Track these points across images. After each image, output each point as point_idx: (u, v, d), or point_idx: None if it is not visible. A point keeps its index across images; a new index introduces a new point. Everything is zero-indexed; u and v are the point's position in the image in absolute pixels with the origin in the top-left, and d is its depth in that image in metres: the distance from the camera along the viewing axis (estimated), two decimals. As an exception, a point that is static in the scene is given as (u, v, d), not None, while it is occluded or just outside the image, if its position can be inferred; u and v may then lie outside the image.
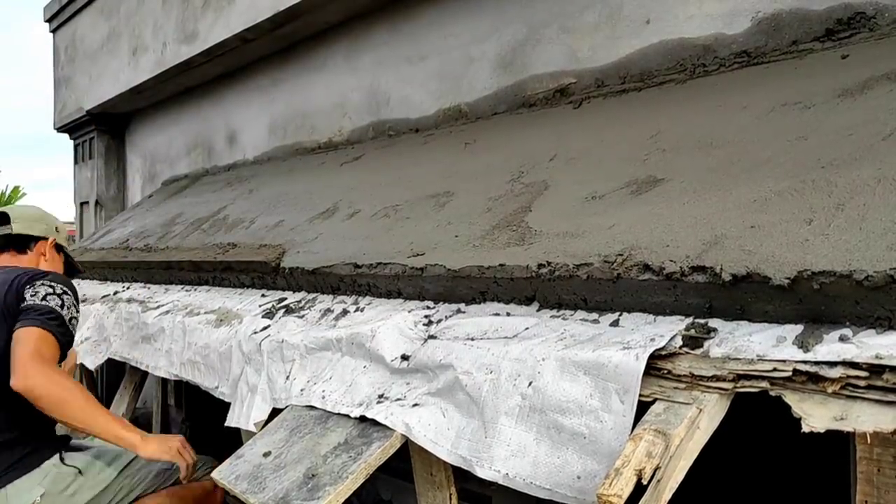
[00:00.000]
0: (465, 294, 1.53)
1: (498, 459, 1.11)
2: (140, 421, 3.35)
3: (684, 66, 1.79)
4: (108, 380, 3.96)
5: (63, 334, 1.75)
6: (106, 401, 3.34)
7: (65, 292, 1.83)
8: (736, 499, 1.81)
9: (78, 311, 1.88)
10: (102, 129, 4.90)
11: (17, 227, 2.08)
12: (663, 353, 1.04)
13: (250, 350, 1.81)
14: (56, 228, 2.17)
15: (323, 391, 1.52)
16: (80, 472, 1.82)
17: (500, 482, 1.10)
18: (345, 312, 1.77)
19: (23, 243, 2.09)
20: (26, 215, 2.12)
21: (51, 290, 1.81)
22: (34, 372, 1.60)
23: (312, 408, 1.51)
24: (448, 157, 2.21)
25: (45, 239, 2.12)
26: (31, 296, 1.78)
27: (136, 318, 2.50)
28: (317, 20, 2.91)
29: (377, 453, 1.25)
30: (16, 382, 1.59)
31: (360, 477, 1.23)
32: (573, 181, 1.63)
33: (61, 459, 1.81)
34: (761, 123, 1.42)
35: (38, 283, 1.82)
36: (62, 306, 1.79)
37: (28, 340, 1.66)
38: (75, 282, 2.18)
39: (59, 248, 2.17)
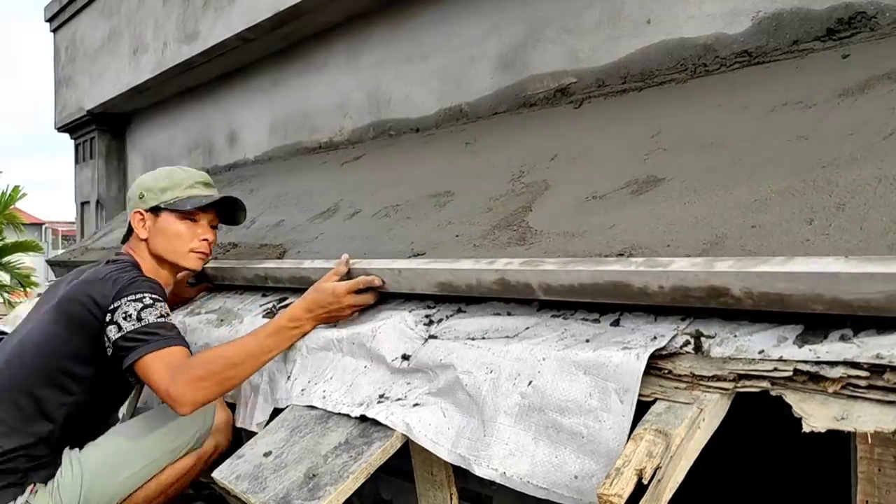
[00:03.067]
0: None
1: (496, 458, 1.11)
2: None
3: (685, 66, 1.79)
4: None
5: (170, 336, 1.56)
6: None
7: (152, 301, 1.61)
8: (736, 499, 1.81)
9: (166, 308, 1.65)
10: (103, 129, 4.91)
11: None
12: (664, 352, 1.04)
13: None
14: (141, 195, 1.84)
15: (323, 391, 1.52)
16: None
17: (498, 481, 1.10)
18: (345, 312, 1.77)
19: (128, 231, 1.89)
20: (126, 197, 1.93)
21: (137, 306, 1.58)
22: (179, 394, 1.46)
23: (313, 408, 1.51)
24: (448, 157, 2.21)
25: (134, 213, 1.84)
26: (125, 319, 1.56)
27: (137, 317, 2.50)
28: (317, 20, 2.91)
29: (378, 453, 1.25)
30: (184, 411, 1.48)
31: (361, 477, 1.23)
32: (574, 181, 1.63)
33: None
34: (762, 123, 1.42)
35: (126, 302, 1.59)
36: (162, 314, 1.60)
37: (150, 372, 1.50)
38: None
39: (154, 212, 1.84)
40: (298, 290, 2.01)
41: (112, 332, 1.56)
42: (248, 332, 1.59)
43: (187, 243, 1.85)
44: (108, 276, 1.66)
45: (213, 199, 1.87)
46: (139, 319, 1.56)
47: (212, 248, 1.93)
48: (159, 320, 1.58)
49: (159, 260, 1.85)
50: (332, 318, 1.61)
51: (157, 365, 1.50)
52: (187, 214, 1.84)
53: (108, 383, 1.72)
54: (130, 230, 1.87)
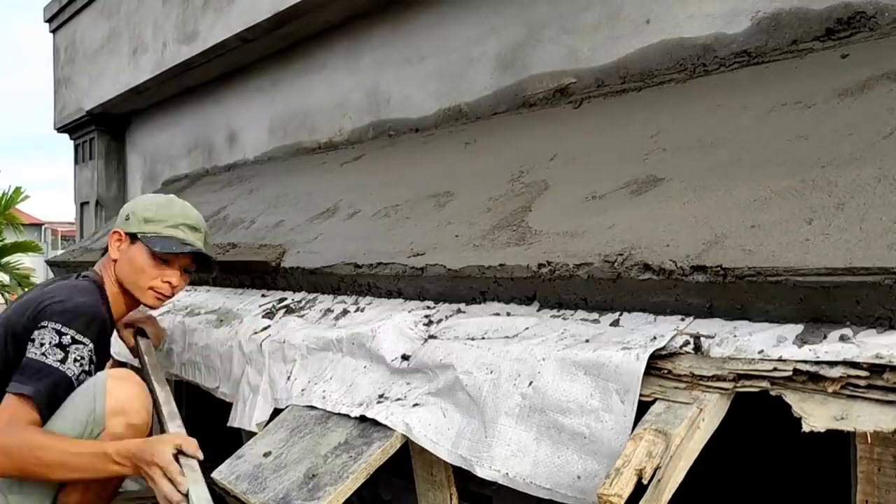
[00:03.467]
0: (466, 294, 1.53)
1: (498, 459, 1.11)
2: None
3: (684, 66, 1.79)
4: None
5: (48, 394, 1.47)
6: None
7: (69, 343, 1.52)
8: (736, 499, 1.81)
9: (91, 364, 1.56)
10: (102, 130, 4.90)
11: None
12: (664, 352, 1.04)
13: (251, 350, 1.81)
14: (127, 216, 1.77)
15: (323, 391, 1.52)
16: None
17: (501, 482, 1.10)
18: (345, 312, 1.77)
19: (108, 247, 1.79)
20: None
21: (54, 339, 1.51)
22: None
23: (313, 408, 1.51)
24: (448, 157, 2.21)
25: (113, 232, 1.78)
26: (39, 345, 1.50)
27: (137, 318, 2.50)
28: (317, 20, 2.91)
29: (377, 453, 1.25)
30: None
31: (361, 477, 1.23)
32: (573, 181, 1.63)
33: None
34: (761, 123, 1.42)
35: (46, 324, 1.52)
36: (63, 360, 1.50)
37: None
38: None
39: (132, 237, 1.76)
40: (300, 291, 2.02)
41: (29, 347, 1.51)
42: (75, 440, 1.47)
43: (149, 280, 1.75)
44: (57, 289, 1.61)
45: (184, 250, 1.76)
46: (44, 355, 1.49)
47: (174, 293, 1.82)
48: (59, 366, 1.50)
49: (120, 286, 1.77)
50: (146, 476, 1.44)
51: (5, 407, 1.45)
52: (157, 254, 1.75)
53: None
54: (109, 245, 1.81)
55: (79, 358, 1.53)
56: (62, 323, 1.52)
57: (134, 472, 1.44)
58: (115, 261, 1.76)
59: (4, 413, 1.44)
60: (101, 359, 1.69)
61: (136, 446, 1.42)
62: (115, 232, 1.77)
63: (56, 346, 1.50)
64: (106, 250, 1.81)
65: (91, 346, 1.56)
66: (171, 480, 1.34)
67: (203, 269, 1.90)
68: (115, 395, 1.52)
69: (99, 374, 1.57)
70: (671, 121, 1.64)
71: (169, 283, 1.77)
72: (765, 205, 1.16)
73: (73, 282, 1.70)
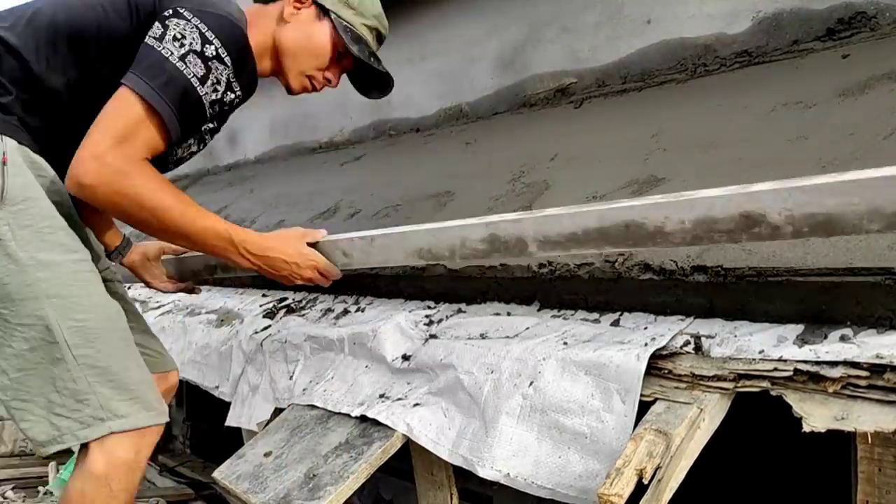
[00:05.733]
0: (466, 294, 1.53)
1: (499, 459, 1.11)
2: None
3: (685, 66, 1.79)
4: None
5: (177, 117, 1.17)
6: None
7: (218, 57, 1.18)
8: (736, 499, 1.81)
9: (236, 92, 1.25)
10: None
11: None
12: (664, 352, 1.05)
13: (251, 350, 1.81)
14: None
15: (324, 391, 1.52)
16: None
17: (502, 482, 1.10)
18: (346, 312, 1.77)
19: None
20: None
21: (195, 43, 1.16)
22: (100, 167, 1.12)
23: (313, 407, 1.51)
24: (449, 157, 2.21)
25: None
26: (156, 35, 1.16)
27: (137, 317, 2.50)
28: (317, 20, 2.91)
29: (378, 453, 1.26)
30: (69, 182, 1.15)
31: (361, 477, 1.23)
32: (574, 181, 1.63)
33: None
34: (762, 123, 1.42)
35: (177, 17, 1.17)
36: (204, 78, 1.18)
37: (109, 111, 1.14)
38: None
39: (321, 10, 1.40)
40: (300, 291, 2.02)
41: (154, 31, 1.18)
42: (201, 210, 1.27)
43: (314, 67, 1.43)
44: None
45: (380, 67, 1.48)
46: (169, 53, 1.15)
47: (322, 89, 1.50)
48: (190, 74, 1.17)
49: (274, 52, 1.41)
50: (277, 277, 1.36)
51: (119, 111, 1.15)
52: (341, 44, 1.41)
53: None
54: None
55: (217, 81, 1.20)
56: (209, 26, 1.18)
57: (255, 268, 1.33)
58: (284, 21, 1.39)
59: (116, 123, 1.13)
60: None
61: (265, 254, 1.30)
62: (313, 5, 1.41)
63: (197, 54, 1.16)
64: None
65: (231, 73, 1.23)
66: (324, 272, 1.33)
67: (359, 84, 1.56)
68: None
69: None
70: (672, 121, 1.64)
71: (329, 80, 1.48)
72: (765, 205, 1.15)
73: None
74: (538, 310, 1.34)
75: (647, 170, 1.50)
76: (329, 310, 1.82)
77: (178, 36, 1.16)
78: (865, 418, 0.82)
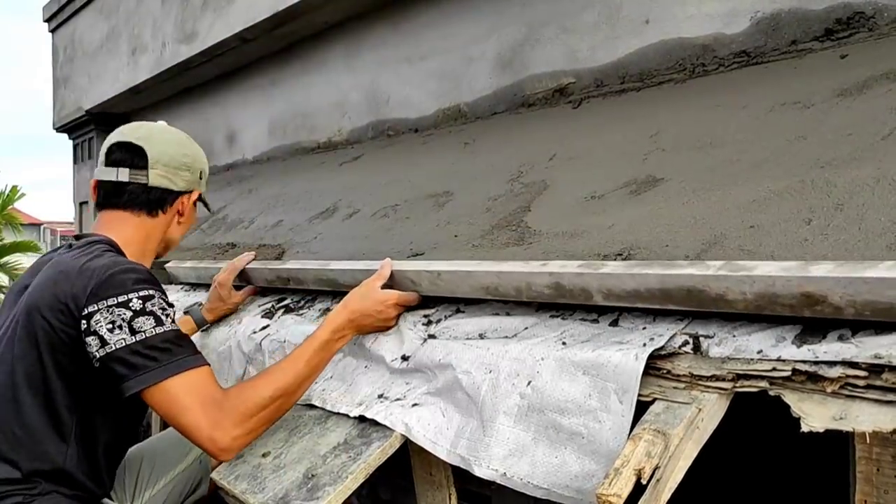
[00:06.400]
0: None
1: (496, 459, 1.11)
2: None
3: (683, 66, 1.79)
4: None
5: (185, 353, 1.24)
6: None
7: (143, 300, 1.22)
8: (736, 499, 1.81)
9: (169, 308, 1.29)
10: (102, 129, 4.89)
11: (156, 177, 1.43)
12: (662, 352, 1.04)
13: (250, 350, 1.81)
14: (201, 173, 1.55)
15: (323, 390, 1.52)
16: None
17: (498, 481, 1.10)
18: (344, 312, 1.76)
19: (160, 201, 1.47)
20: (169, 155, 1.46)
21: (132, 312, 1.20)
22: (228, 440, 1.20)
23: (312, 407, 1.51)
24: (447, 157, 2.21)
25: (189, 193, 1.52)
26: (112, 332, 1.18)
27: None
28: (316, 20, 2.91)
29: (377, 453, 1.25)
30: (227, 458, 1.25)
31: (360, 477, 1.23)
32: (572, 181, 1.63)
33: None
34: (760, 123, 1.42)
35: (113, 304, 1.20)
36: (160, 321, 1.23)
37: (174, 408, 1.19)
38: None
39: (199, 198, 1.59)
40: (298, 291, 2.02)
41: (94, 346, 1.19)
42: (290, 354, 1.37)
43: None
44: (80, 269, 1.25)
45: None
46: (133, 332, 1.19)
47: None
48: (162, 330, 1.21)
49: (162, 244, 1.53)
50: (375, 329, 1.47)
51: (183, 398, 1.18)
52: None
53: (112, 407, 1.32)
54: (158, 202, 1.46)
55: (165, 314, 1.25)
56: (112, 294, 1.21)
57: (356, 333, 1.46)
58: (158, 220, 1.48)
59: (193, 405, 1.18)
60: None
61: (350, 312, 1.42)
62: (197, 193, 1.55)
63: (134, 318, 1.20)
64: (123, 201, 1.44)
65: (160, 293, 1.28)
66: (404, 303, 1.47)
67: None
68: None
69: None
70: (670, 121, 1.64)
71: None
72: (764, 205, 1.16)
73: (79, 252, 1.33)
74: (536, 310, 1.34)
75: (645, 170, 1.50)
76: (328, 310, 1.82)
77: (110, 324, 1.20)
78: (864, 418, 0.82)
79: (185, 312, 2.00)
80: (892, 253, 0.91)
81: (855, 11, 1.49)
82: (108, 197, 1.45)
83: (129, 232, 1.43)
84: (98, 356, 1.19)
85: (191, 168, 1.51)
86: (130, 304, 1.21)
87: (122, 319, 1.19)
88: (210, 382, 1.24)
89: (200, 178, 1.55)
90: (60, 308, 1.22)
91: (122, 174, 1.42)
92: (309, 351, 1.36)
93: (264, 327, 1.85)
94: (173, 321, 1.27)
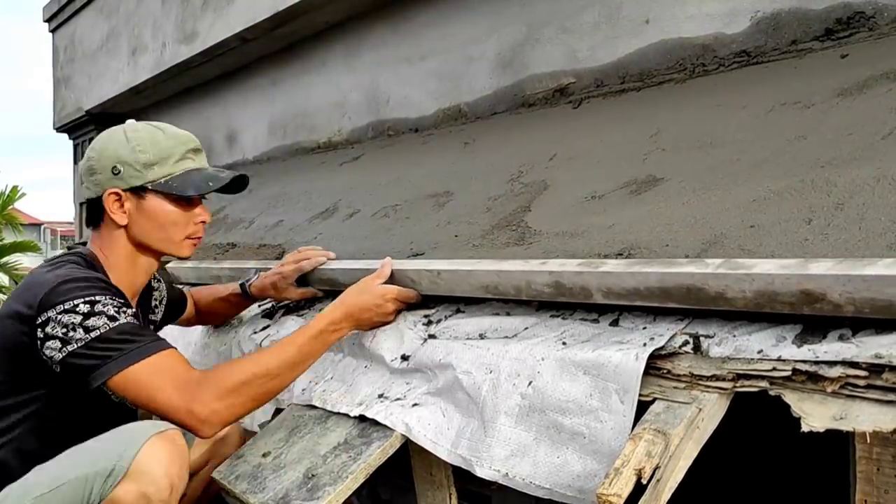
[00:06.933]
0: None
1: (498, 459, 1.11)
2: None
3: (684, 66, 1.79)
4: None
5: (148, 340, 1.26)
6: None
7: (90, 303, 1.23)
8: (736, 499, 1.81)
9: (124, 307, 1.29)
10: (102, 129, 4.88)
11: (83, 189, 1.45)
12: (663, 352, 1.04)
13: (251, 350, 1.81)
14: (116, 170, 1.39)
15: (323, 391, 1.52)
16: None
17: (500, 482, 1.10)
18: (344, 312, 1.77)
19: (92, 214, 1.46)
20: (84, 166, 1.44)
21: (81, 315, 1.22)
22: (207, 412, 1.21)
23: (312, 407, 1.51)
24: (447, 157, 2.21)
25: (105, 193, 1.41)
26: (67, 334, 1.21)
27: (136, 318, 2.49)
28: (316, 20, 2.91)
29: (377, 453, 1.25)
30: (207, 434, 1.24)
31: (360, 477, 1.23)
32: (573, 181, 1.63)
33: None
34: (760, 123, 1.42)
35: (60, 311, 1.22)
36: (113, 317, 1.24)
37: (146, 390, 1.20)
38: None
39: (136, 192, 1.42)
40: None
41: (53, 349, 1.22)
42: (282, 339, 1.38)
43: (183, 230, 1.47)
44: (36, 281, 1.30)
45: (221, 181, 1.49)
46: (88, 330, 1.21)
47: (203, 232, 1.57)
48: (117, 324, 1.23)
49: (142, 248, 1.46)
50: (373, 324, 1.49)
51: (153, 380, 1.21)
52: (184, 198, 1.45)
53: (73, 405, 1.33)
54: (95, 212, 1.44)
55: (118, 311, 1.25)
56: (60, 301, 1.23)
57: (354, 328, 1.46)
58: (123, 227, 1.43)
59: (166, 385, 1.20)
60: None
61: (347, 307, 1.43)
62: (111, 193, 1.41)
63: (85, 319, 1.22)
64: (94, 220, 1.46)
65: (110, 296, 1.27)
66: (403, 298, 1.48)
67: (226, 191, 1.56)
68: (151, 452, 1.17)
69: (140, 424, 1.28)
70: (670, 121, 1.64)
71: (203, 221, 1.52)
72: (764, 205, 1.16)
73: (46, 267, 1.37)
74: (537, 309, 1.34)
75: (645, 170, 1.50)
76: (328, 310, 1.82)
77: (64, 328, 1.22)
78: (864, 418, 0.82)
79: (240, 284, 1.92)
80: (892, 252, 0.91)
81: (855, 11, 1.49)
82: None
83: (94, 248, 1.45)
84: (58, 358, 1.22)
85: (96, 169, 1.41)
86: (77, 309, 1.22)
87: (74, 323, 1.22)
88: (179, 363, 1.26)
89: (116, 174, 1.40)
90: (17, 316, 1.26)
91: (80, 194, 1.44)
92: (301, 338, 1.37)
93: (264, 328, 1.85)
94: (131, 317, 1.27)
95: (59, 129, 5.27)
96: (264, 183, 3.13)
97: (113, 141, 1.44)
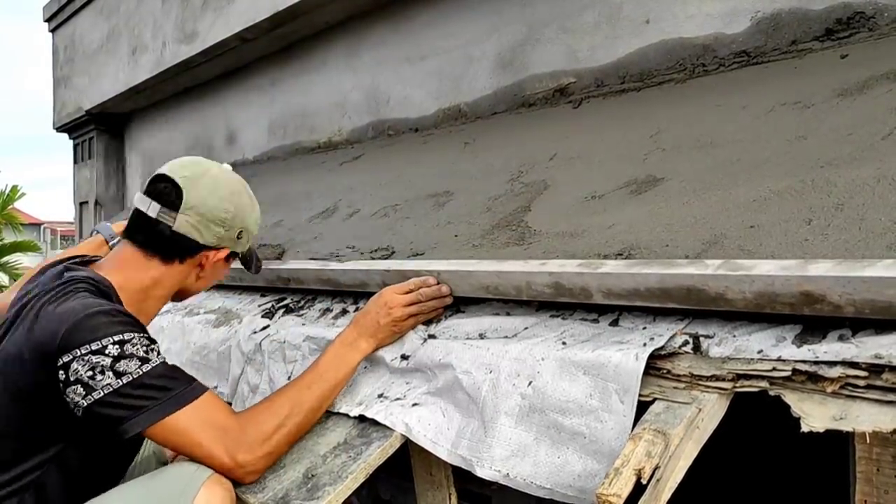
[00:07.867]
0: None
1: (498, 459, 1.11)
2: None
3: (684, 66, 1.79)
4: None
5: (185, 384, 1.18)
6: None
7: (120, 344, 1.13)
8: (736, 499, 1.81)
9: (152, 344, 1.19)
10: (102, 129, 4.90)
11: (183, 223, 1.32)
12: (663, 352, 1.05)
13: (250, 350, 1.81)
14: (240, 233, 1.41)
15: (322, 391, 1.52)
16: None
17: (501, 482, 1.10)
18: (344, 312, 1.77)
19: (180, 250, 1.35)
20: (207, 206, 1.34)
21: (111, 358, 1.12)
22: (252, 460, 1.20)
23: (312, 407, 1.51)
24: (447, 157, 2.21)
25: (217, 249, 1.39)
26: (94, 378, 1.10)
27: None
28: (316, 20, 2.91)
29: (377, 453, 1.25)
30: (251, 481, 1.22)
31: (360, 477, 1.23)
32: (573, 181, 1.63)
33: None
34: (761, 123, 1.42)
35: (87, 352, 1.11)
36: (145, 359, 1.15)
37: (186, 439, 1.15)
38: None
39: (233, 254, 1.45)
40: (298, 291, 2.02)
41: (78, 394, 1.11)
42: (306, 370, 1.35)
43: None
44: (49, 315, 1.16)
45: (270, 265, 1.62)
46: (118, 375, 1.11)
47: None
48: (149, 367, 1.15)
49: (180, 292, 1.44)
50: (391, 332, 1.42)
51: (193, 429, 1.15)
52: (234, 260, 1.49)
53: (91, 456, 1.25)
54: (174, 247, 1.34)
55: (150, 351, 1.17)
56: (87, 341, 1.12)
57: (376, 343, 1.41)
58: (198, 277, 1.43)
59: (208, 433, 1.16)
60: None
61: (357, 319, 1.41)
62: (223, 251, 1.40)
63: (116, 362, 1.12)
64: (134, 232, 1.35)
65: (140, 333, 1.18)
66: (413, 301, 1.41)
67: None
68: (207, 499, 1.14)
69: (185, 468, 1.19)
70: (670, 121, 1.64)
71: None
72: (764, 205, 1.16)
73: (55, 294, 1.21)
74: (537, 309, 1.34)
75: (645, 169, 1.50)
76: (328, 310, 1.82)
77: (91, 371, 1.12)
78: (864, 418, 0.82)
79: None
80: (892, 253, 0.91)
81: (855, 11, 1.50)
82: (132, 230, 1.35)
83: (131, 274, 1.33)
84: (84, 404, 1.11)
85: (226, 224, 1.37)
86: (107, 351, 1.12)
87: (103, 366, 1.12)
88: (218, 409, 1.20)
89: (239, 238, 1.41)
90: (33, 354, 1.14)
91: (153, 209, 1.32)
92: (320, 363, 1.36)
93: (264, 327, 1.85)
94: (159, 354, 1.19)
95: (59, 129, 5.28)
96: (264, 183, 3.13)
97: (243, 201, 1.43)
